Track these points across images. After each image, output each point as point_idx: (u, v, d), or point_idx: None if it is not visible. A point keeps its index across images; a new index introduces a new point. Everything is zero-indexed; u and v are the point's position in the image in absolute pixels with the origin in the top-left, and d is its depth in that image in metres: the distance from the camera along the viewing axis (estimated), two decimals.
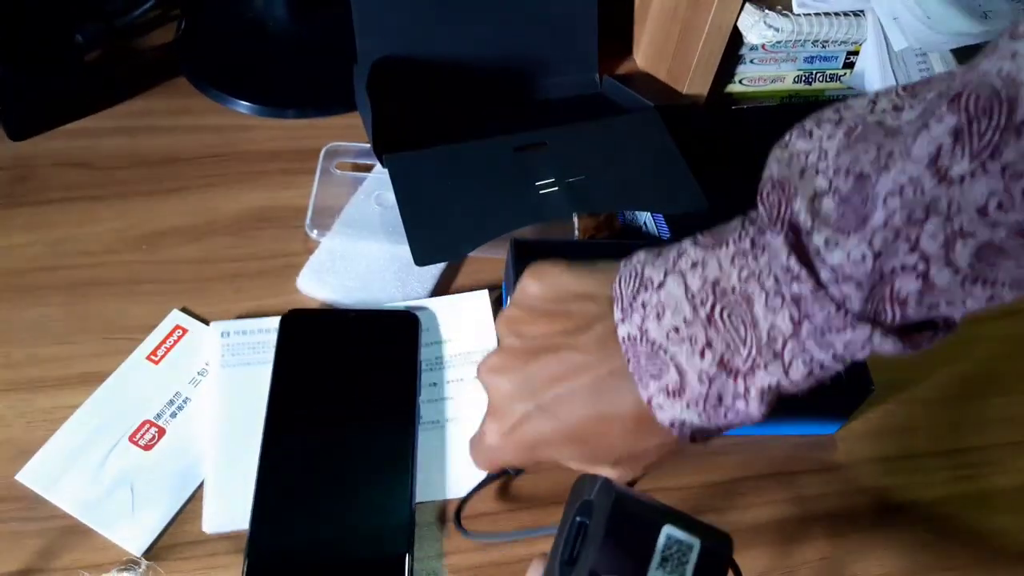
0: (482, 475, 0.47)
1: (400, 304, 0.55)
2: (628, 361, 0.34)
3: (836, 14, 0.62)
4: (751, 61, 0.67)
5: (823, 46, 0.66)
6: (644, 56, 0.73)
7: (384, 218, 0.58)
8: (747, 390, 0.32)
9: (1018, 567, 0.50)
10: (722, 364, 0.32)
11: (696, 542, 0.31)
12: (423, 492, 0.48)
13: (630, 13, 0.73)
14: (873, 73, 0.60)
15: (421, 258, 0.55)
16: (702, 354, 0.32)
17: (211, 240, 0.59)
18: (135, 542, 0.45)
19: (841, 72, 0.69)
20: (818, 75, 0.69)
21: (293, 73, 0.70)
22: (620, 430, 0.35)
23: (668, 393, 0.33)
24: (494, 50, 0.66)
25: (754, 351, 0.31)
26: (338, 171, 0.62)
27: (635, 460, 0.36)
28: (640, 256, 0.35)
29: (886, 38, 0.58)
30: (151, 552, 0.45)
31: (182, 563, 0.45)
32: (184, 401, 0.50)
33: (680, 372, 0.32)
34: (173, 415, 0.50)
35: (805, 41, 0.64)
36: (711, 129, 0.65)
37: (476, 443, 0.41)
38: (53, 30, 0.64)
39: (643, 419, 0.34)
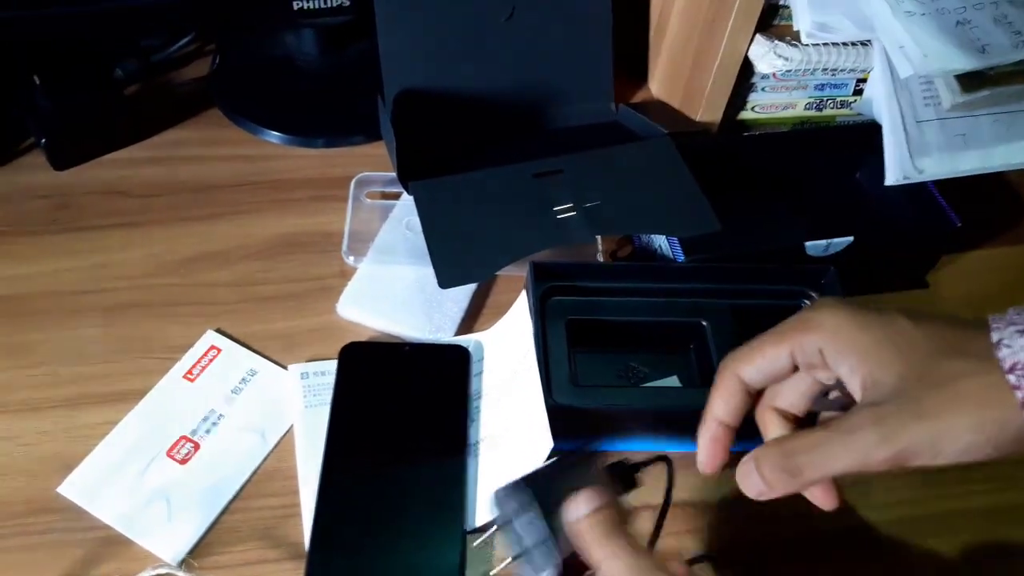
0: None
1: (453, 338, 0.58)
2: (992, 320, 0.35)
3: (844, 44, 0.64)
4: (763, 89, 0.69)
5: (833, 74, 0.67)
6: (659, 85, 0.75)
7: (416, 243, 0.60)
8: None
9: None
10: None
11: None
12: None
13: (645, 43, 0.75)
14: (880, 100, 0.62)
15: (445, 281, 0.57)
16: None
17: (244, 264, 0.61)
18: (171, 552, 0.47)
19: (851, 99, 0.71)
20: (829, 102, 0.71)
21: (322, 105, 0.73)
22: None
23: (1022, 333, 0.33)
24: (513, 81, 0.69)
25: None
26: (368, 200, 0.65)
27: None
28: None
29: (891, 66, 0.60)
30: (186, 561, 0.47)
31: (216, 572, 0.47)
32: (218, 418, 0.53)
33: None
34: (208, 431, 0.52)
35: (815, 70, 0.65)
36: (724, 154, 0.67)
37: None
38: (94, 66, 0.67)
39: None
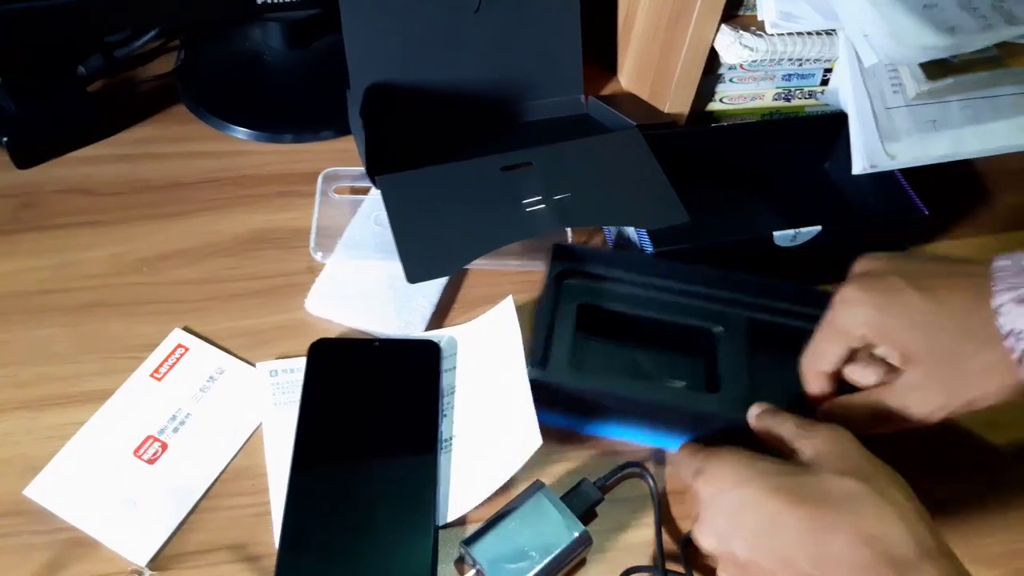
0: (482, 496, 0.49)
1: (424, 333, 0.57)
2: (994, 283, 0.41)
3: (809, 33, 0.64)
4: (730, 80, 0.69)
5: (800, 64, 0.68)
6: (628, 77, 0.75)
7: (384, 238, 0.60)
8: None
9: None
10: None
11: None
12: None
13: (614, 36, 0.75)
14: (846, 88, 0.62)
15: (414, 276, 0.56)
16: None
17: (211, 261, 0.61)
18: (140, 553, 0.47)
19: (819, 89, 0.71)
20: (797, 92, 0.71)
21: (289, 100, 0.73)
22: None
23: (1018, 301, 0.39)
24: (482, 74, 0.69)
25: None
26: (336, 195, 0.64)
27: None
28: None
29: (857, 55, 0.60)
30: (155, 562, 0.47)
31: (186, 572, 0.47)
32: (186, 417, 0.52)
33: None
34: (175, 430, 0.52)
35: (782, 60, 0.66)
36: (693, 146, 0.67)
37: None
38: (57, 63, 0.66)
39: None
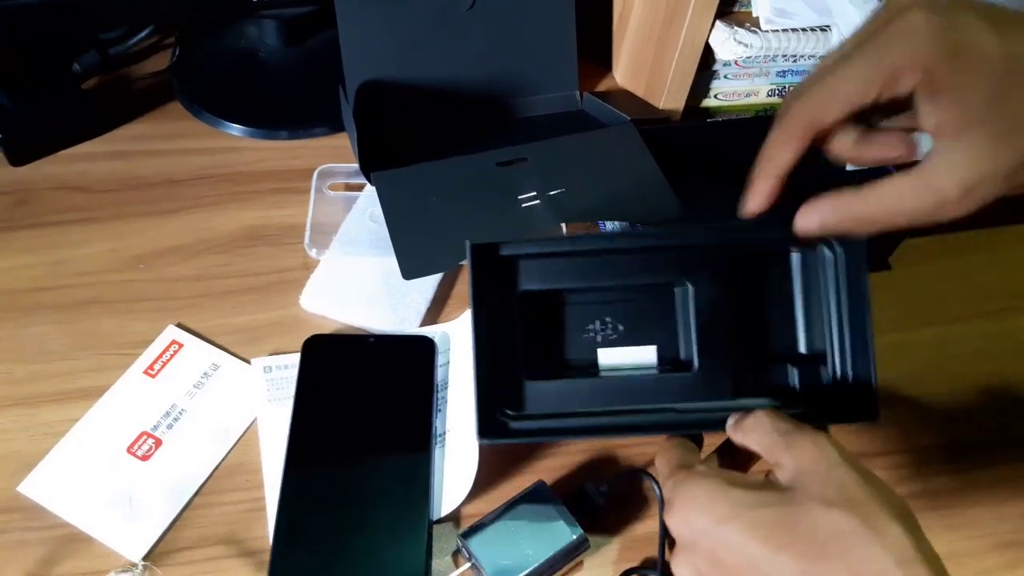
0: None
1: (418, 329, 0.57)
2: None
3: (803, 29, 0.64)
4: (725, 76, 0.69)
5: (794, 60, 0.68)
6: (623, 73, 0.75)
7: (379, 234, 0.60)
8: None
9: None
10: None
11: None
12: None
13: (609, 32, 0.75)
14: None
15: (409, 272, 0.57)
16: None
17: (206, 258, 0.61)
18: (134, 548, 0.47)
19: None
20: (791, 88, 0.71)
21: (283, 96, 0.73)
22: None
23: None
24: (477, 71, 0.69)
25: None
26: (330, 191, 0.64)
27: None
28: None
29: None
30: (149, 558, 0.47)
31: (180, 568, 0.47)
32: (180, 413, 0.52)
33: None
34: (169, 426, 0.52)
35: (776, 56, 0.66)
36: (687, 142, 0.67)
37: None
38: (51, 60, 0.66)
39: None
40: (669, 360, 0.46)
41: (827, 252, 0.44)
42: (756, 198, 0.41)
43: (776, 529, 0.34)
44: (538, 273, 0.45)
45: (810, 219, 0.39)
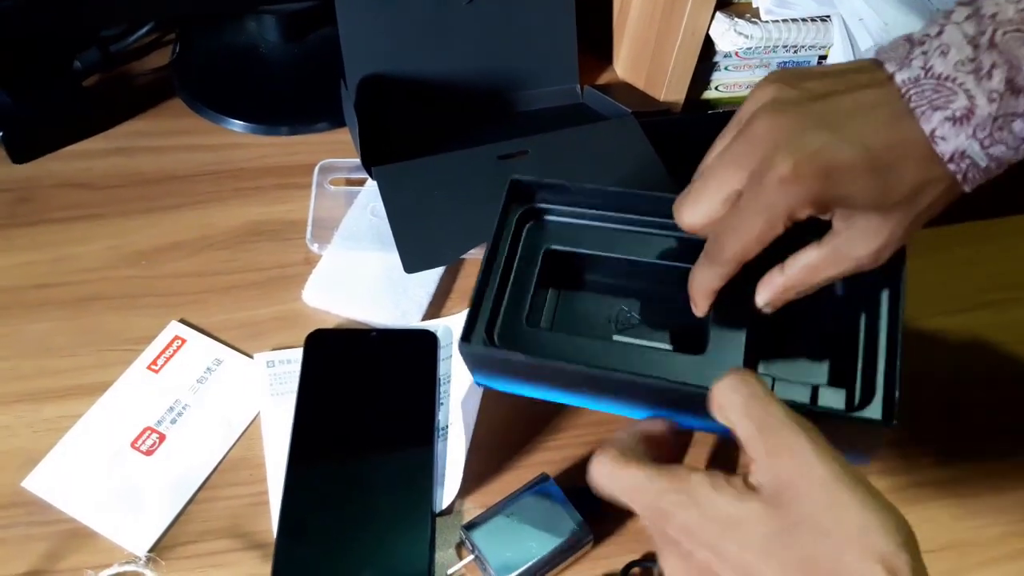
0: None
1: (420, 323, 0.57)
2: (909, 99, 0.35)
3: (804, 20, 0.64)
4: (726, 68, 0.69)
5: (795, 51, 0.68)
6: (623, 66, 0.75)
7: (381, 228, 0.60)
8: None
9: None
10: (1009, 84, 0.34)
11: None
12: None
13: (609, 25, 0.75)
14: None
15: (411, 266, 0.57)
16: (990, 75, 0.34)
17: (208, 254, 0.61)
18: (138, 543, 0.47)
19: None
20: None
21: (284, 92, 0.73)
22: (915, 157, 0.36)
23: (954, 122, 0.35)
24: (477, 65, 0.69)
25: None
26: (332, 186, 0.64)
27: (912, 206, 0.37)
28: (897, 40, 0.37)
29: (851, 39, 0.60)
30: (154, 552, 0.47)
31: (184, 562, 0.47)
32: (184, 408, 0.52)
33: (969, 97, 0.34)
34: (173, 421, 0.52)
35: (776, 47, 0.66)
36: (688, 133, 0.67)
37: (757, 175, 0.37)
38: (52, 57, 0.66)
39: (929, 154, 0.36)
40: (682, 344, 0.46)
41: None
42: (701, 310, 0.43)
43: (772, 554, 0.31)
44: (575, 238, 0.47)
45: (761, 299, 0.42)
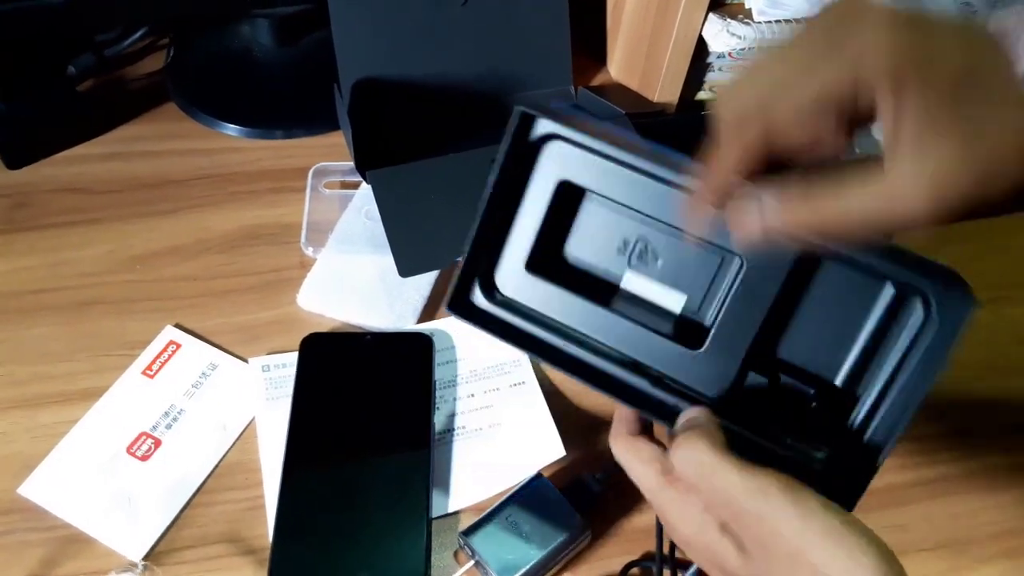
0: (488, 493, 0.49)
1: (416, 326, 0.57)
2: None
3: (797, 20, 0.64)
4: (719, 69, 0.69)
5: None
6: (617, 67, 0.75)
7: (375, 232, 0.60)
8: None
9: None
10: None
11: None
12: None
13: (603, 26, 0.75)
14: None
15: (405, 269, 0.57)
16: None
17: (204, 258, 0.61)
18: (134, 548, 0.47)
19: None
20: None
21: (279, 96, 0.73)
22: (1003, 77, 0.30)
23: None
24: (471, 67, 0.69)
25: None
26: (326, 190, 0.64)
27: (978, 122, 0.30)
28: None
29: None
30: (150, 557, 0.47)
31: (180, 567, 0.47)
32: (179, 413, 0.52)
33: None
34: (168, 426, 0.52)
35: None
36: (682, 134, 0.67)
37: None
38: (47, 63, 0.66)
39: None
40: (684, 326, 0.40)
41: (920, 310, 0.37)
42: (698, 207, 0.36)
43: None
44: (593, 173, 0.39)
45: (751, 221, 0.33)
